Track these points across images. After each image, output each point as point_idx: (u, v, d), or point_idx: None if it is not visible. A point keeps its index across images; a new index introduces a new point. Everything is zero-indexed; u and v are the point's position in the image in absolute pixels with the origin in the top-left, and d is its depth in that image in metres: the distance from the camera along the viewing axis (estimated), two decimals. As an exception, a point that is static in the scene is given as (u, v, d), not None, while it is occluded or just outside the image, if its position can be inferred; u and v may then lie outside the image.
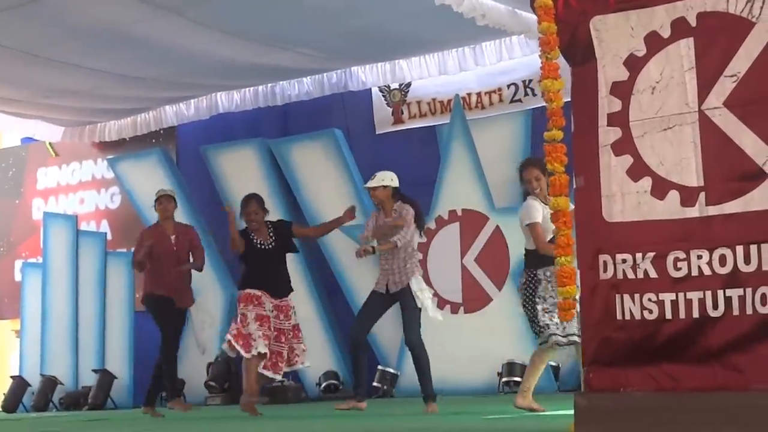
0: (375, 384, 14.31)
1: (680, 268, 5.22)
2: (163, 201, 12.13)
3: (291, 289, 11.07)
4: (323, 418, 10.32)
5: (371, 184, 10.50)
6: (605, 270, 5.41)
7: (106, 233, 17.59)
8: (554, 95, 5.73)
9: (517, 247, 13.54)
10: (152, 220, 16.48)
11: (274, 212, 15.61)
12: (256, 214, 10.98)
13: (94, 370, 16.21)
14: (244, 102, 16.48)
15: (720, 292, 5.16)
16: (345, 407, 10.42)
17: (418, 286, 10.27)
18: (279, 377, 11.19)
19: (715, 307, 5.16)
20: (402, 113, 15.68)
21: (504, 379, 13.41)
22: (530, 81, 14.65)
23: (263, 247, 10.89)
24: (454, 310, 14.03)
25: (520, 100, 14.78)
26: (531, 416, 8.61)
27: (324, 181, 15.45)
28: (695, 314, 5.20)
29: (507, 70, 14.83)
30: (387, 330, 14.74)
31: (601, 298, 5.42)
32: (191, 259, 12.17)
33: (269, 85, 16.20)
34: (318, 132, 15.66)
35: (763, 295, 5.04)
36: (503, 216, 13.83)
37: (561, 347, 8.97)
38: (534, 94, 14.62)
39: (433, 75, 15.14)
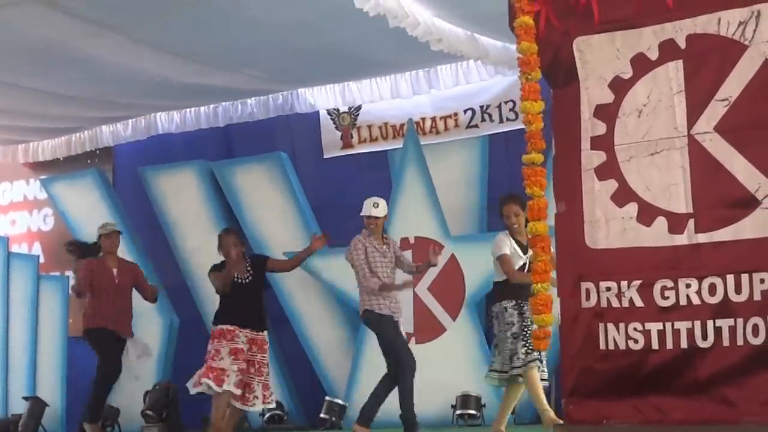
0: (323, 415, 14.18)
1: (668, 297, 5.24)
2: (113, 236, 12.29)
3: (267, 326, 10.99)
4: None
5: (380, 213, 10.73)
6: (588, 298, 5.41)
7: (38, 256, 17.33)
8: (533, 117, 5.75)
9: (473, 275, 13.60)
10: (86, 241, 16.43)
11: (215, 237, 15.61)
12: (235, 247, 10.89)
13: (25, 398, 15.91)
14: (185, 123, 16.29)
15: (709, 322, 5.17)
16: None
17: None
18: (249, 409, 11.07)
19: (704, 337, 5.17)
20: (351, 137, 15.60)
21: (458, 412, 13.32)
22: (487, 106, 14.64)
23: (241, 281, 10.84)
24: (422, 339, 13.95)
25: (476, 126, 14.74)
26: None
27: (269, 205, 15.33)
28: (683, 345, 5.21)
29: (463, 94, 14.78)
30: (335, 360, 14.70)
31: (583, 326, 5.42)
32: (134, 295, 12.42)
33: (211, 105, 16.04)
34: (263, 155, 15.54)
35: (755, 326, 5.06)
36: (459, 244, 13.82)
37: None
38: (491, 120, 14.62)
39: (385, 98, 15.05)
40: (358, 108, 15.49)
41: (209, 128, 16.21)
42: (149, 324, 15.75)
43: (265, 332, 10.93)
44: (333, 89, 15.29)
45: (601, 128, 5.47)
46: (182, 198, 15.86)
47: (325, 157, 15.79)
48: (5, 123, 16.07)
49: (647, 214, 5.31)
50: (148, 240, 16.37)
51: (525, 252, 9.39)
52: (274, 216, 15.26)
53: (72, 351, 16.16)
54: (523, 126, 13.82)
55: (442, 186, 14.20)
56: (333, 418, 14.14)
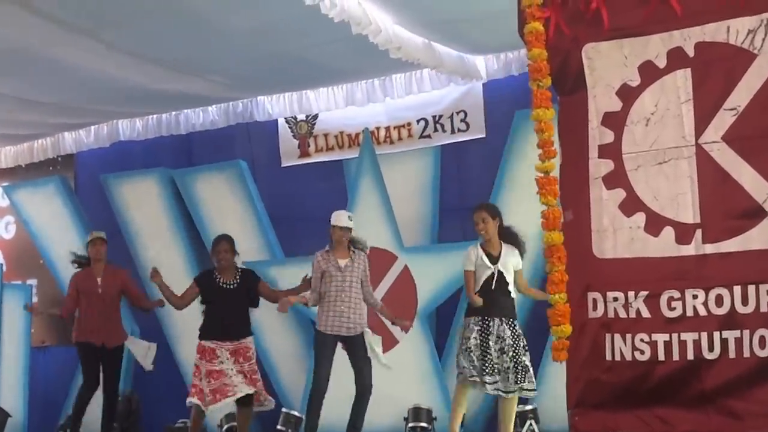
0: (279, 427, 13.71)
1: (674, 308, 4.99)
2: (97, 243, 11.80)
3: (250, 332, 10.61)
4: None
5: (350, 224, 10.28)
6: (595, 308, 5.14)
7: (1, 264, 16.75)
8: (546, 125, 5.41)
9: (425, 287, 13.27)
10: (48, 249, 15.94)
11: (177, 245, 15.19)
12: (226, 253, 10.52)
13: (-12, 407, 15.41)
14: (147, 130, 15.80)
15: (716, 334, 4.93)
16: None
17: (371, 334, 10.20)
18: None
19: (711, 349, 4.94)
20: (308, 146, 15.17)
21: (410, 425, 12.89)
22: (440, 117, 14.27)
23: (226, 286, 10.47)
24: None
25: (429, 136, 14.35)
26: None
27: (228, 213, 14.84)
28: (690, 356, 4.97)
29: (417, 104, 14.37)
30: (291, 372, 14.31)
31: (590, 337, 5.15)
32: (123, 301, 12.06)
33: (173, 113, 15.58)
34: (222, 163, 15.09)
35: (762, 338, 4.83)
36: (412, 255, 13.42)
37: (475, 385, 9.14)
38: (444, 130, 14.26)
39: (340, 106, 14.62)
40: (315, 117, 15.06)
41: (170, 136, 15.72)
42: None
43: (249, 337, 10.51)
44: (291, 97, 14.86)
45: (608, 136, 5.20)
46: (143, 206, 15.37)
47: (283, 165, 15.36)
48: (-37, 128, 15.57)
49: (655, 224, 5.05)
50: (109, 248, 15.74)
51: (494, 262, 9.01)
52: (233, 225, 14.68)
53: (34, 360, 15.74)
54: (473, 137, 13.85)
55: (395, 196, 13.78)
56: (289, 430, 13.72)
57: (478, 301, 8.98)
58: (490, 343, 8.90)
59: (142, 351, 11.51)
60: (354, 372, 10.10)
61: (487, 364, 8.90)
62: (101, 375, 11.63)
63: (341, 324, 9.99)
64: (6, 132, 15.95)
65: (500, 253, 9.00)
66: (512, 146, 13.12)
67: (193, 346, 14.40)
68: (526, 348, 8.96)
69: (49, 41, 11.71)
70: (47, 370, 16.58)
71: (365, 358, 10.06)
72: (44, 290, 16.63)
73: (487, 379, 8.88)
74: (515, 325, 8.93)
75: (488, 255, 9.09)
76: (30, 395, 15.66)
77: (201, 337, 10.43)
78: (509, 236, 9.14)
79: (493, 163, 13.26)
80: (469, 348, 9.00)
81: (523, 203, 12.59)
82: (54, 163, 16.73)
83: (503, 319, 8.87)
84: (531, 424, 12.37)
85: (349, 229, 10.20)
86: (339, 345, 10.19)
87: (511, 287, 8.98)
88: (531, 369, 8.90)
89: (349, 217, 10.34)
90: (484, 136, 13.92)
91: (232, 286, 10.46)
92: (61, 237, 15.94)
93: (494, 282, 8.90)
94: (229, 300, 10.37)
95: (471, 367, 8.95)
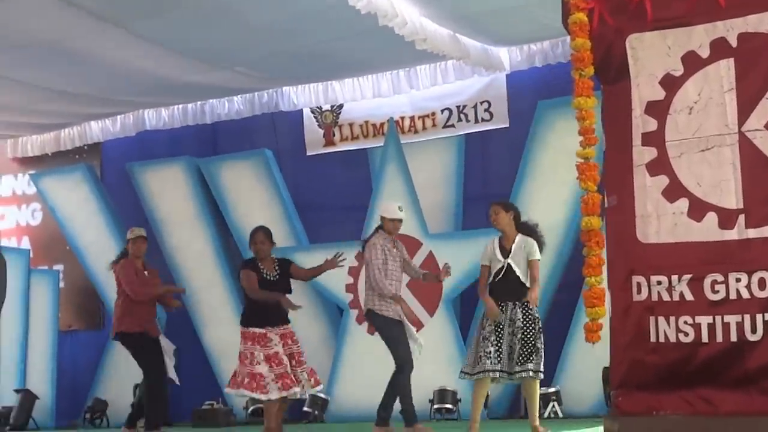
0: (306, 409, 13.93)
1: (718, 291, 5.07)
2: (137, 241, 11.46)
3: (289, 320, 10.67)
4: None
5: (404, 216, 10.49)
6: (639, 291, 5.22)
7: (29, 250, 16.93)
8: (587, 113, 5.50)
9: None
10: (74, 236, 16.08)
11: (203, 231, 15.33)
12: (262, 244, 10.53)
13: (16, 390, 15.54)
14: (173, 120, 15.97)
15: (759, 316, 5.01)
16: None
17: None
18: (299, 394, 10.68)
19: (754, 330, 5.01)
20: (333, 135, 15.34)
21: (435, 406, 13.13)
22: (464, 106, 14.44)
23: (270, 278, 10.50)
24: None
25: (453, 126, 14.52)
26: None
27: (254, 201, 15.03)
28: (733, 338, 5.05)
29: (441, 94, 14.56)
30: (317, 355, 14.43)
31: (634, 320, 5.23)
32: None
33: (198, 103, 15.74)
34: (248, 152, 15.28)
35: (803, 320, 4.90)
36: (437, 241, 13.60)
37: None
38: (467, 120, 14.42)
39: (366, 97, 14.82)
40: (340, 106, 15.23)
41: (196, 125, 15.90)
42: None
43: (290, 323, 10.56)
44: (316, 88, 15.04)
45: (652, 125, 5.27)
46: (169, 194, 15.55)
47: (308, 154, 15.51)
48: (-5, 117, 15.70)
49: (698, 209, 5.13)
50: (134, 234, 16.04)
51: (506, 255, 9.29)
52: (259, 212, 14.91)
53: (62, 344, 15.89)
54: (496, 126, 13.96)
55: (419, 184, 13.97)
56: (316, 412, 13.92)
57: (489, 302, 9.17)
58: (504, 327, 9.11)
59: (169, 351, 11.44)
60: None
61: (500, 352, 9.09)
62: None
63: (396, 309, 10.21)
64: (33, 121, 16.13)
65: (512, 246, 9.25)
66: (535, 135, 13.27)
67: (219, 331, 14.72)
68: (541, 331, 9.16)
69: (77, 32, 11.86)
70: (74, 353, 16.76)
71: None
72: (70, 276, 16.85)
73: (498, 366, 9.09)
74: (529, 309, 9.12)
75: (501, 248, 9.33)
76: (57, 379, 15.84)
77: (248, 324, 10.38)
78: (526, 228, 9.42)
79: (516, 151, 13.42)
80: (486, 336, 9.18)
81: (545, 190, 12.79)
82: (80, 151, 16.90)
83: (516, 302, 9.09)
84: (554, 406, 12.53)
85: (401, 220, 10.38)
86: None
87: (523, 277, 9.18)
88: (541, 353, 9.10)
89: (399, 207, 10.47)
90: (507, 125, 14.08)
91: (274, 278, 10.48)
92: (87, 223, 16.15)
93: (502, 273, 9.19)
94: (272, 290, 10.41)
95: (486, 357, 9.10)
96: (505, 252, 9.30)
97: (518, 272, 9.18)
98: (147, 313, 11.24)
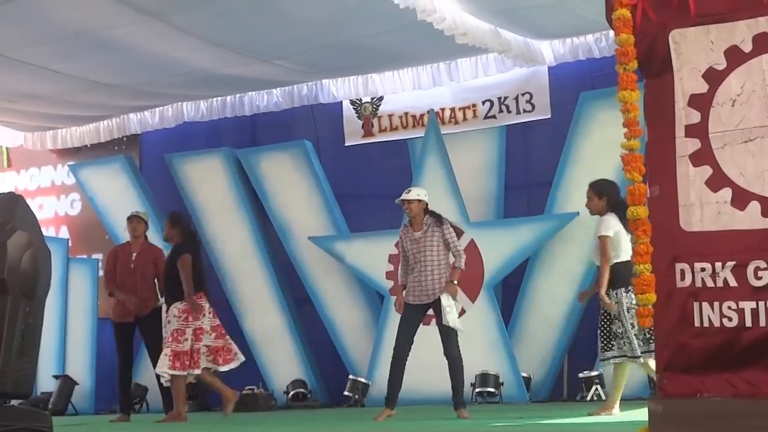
0: (346, 393, 14.32)
1: (761, 278, 5.25)
2: (133, 221, 12.49)
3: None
4: (298, 426, 10.36)
5: (408, 197, 10.62)
6: (683, 278, 5.44)
7: (67, 239, 17.34)
8: (631, 106, 5.73)
9: (491, 260, 13.71)
10: (114, 225, 16.45)
11: (242, 221, 15.65)
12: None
13: (55, 376, 15.94)
14: (211, 112, 16.31)
15: (801, 301, 5.21)
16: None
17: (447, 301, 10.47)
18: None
19: (797, 315, 5.21)
20: (372, 126, 15.66)
21: (477, 390, 13.44)
22: (505, 98, 14.75)
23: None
24: (426, 321, 13.85)
25: (494, 117, 14.83)
26: (601, 422, 8.68)
27: (293, 191, 15.41)
28: (775, 322, 5.24)
29: (482, 86, 14.89)
30: (358, 340, 14.78)
31: (678, 305, 5.44)
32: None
33: (237, 95, 16.07)
34: (287, 143, 15.63)
35: None
36: (478, 230, 13.92)
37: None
38: (508, 111, 14.72)
39: (407, 89, 15.13)
40: (380, 98, 15.55)
41: (234, 117, 16.24)
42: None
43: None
44: (356, 81, 15.36)
45: (695, 117, 5.49)
46: (208, 184, 15.91)
47: (346, 145, 15.85)
48: (37, 110, 16.06)
49: (741, 198, 5.33)
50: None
51: None
52: (299, 202, 15.33)
53: (101, 331, 16.22)
54: (538, 117, 14.23)
55: (461, 174, 14.30)
56: (356, 396, 14.23)
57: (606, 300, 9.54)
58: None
59: None
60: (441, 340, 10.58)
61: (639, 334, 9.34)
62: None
63: (422, 292, 10.53)
64: (74, 113, 16.46)
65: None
66: (577, 126, 13.55)
67: (260, 318, 15.15)
68: (604, 316, 9.61)
69: (118, 24, 12.18)
70: (113, 340, 17.07)
71: (444, 326, 10.47)
72: (110, 265, 17.16)
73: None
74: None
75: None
76: (96, 365, 16.24)
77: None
78: (620, 208, 9.04)
79: (558, 142, 13.70)
80: (623, 319, 9.47)
81: (586, 180, 13.05)
82: (119, 143, 17.29)
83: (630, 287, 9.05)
84: (597, 389, 12.79)
85: (408, 201, 10.60)
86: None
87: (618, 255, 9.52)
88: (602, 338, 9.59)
89: (408, 190, 10.76)
90: (549, 116, 14.33)
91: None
92: (126, 213, 16.26)
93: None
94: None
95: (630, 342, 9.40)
96: None
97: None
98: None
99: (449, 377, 10.42)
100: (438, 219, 10.58)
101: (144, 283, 12.35)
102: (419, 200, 10.59)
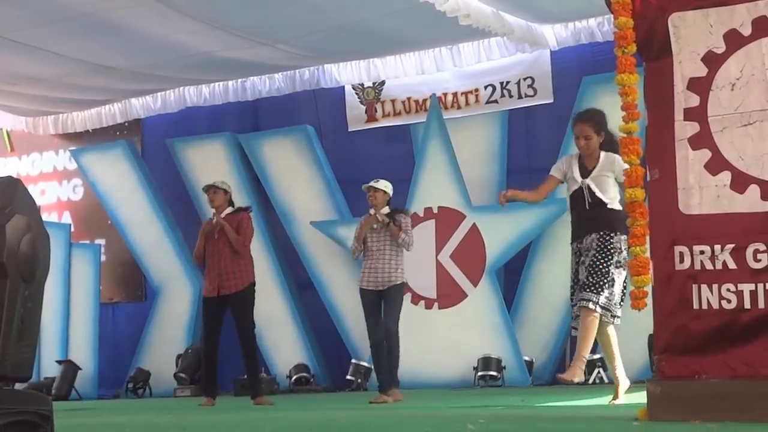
0: (349, 377, 14.43)
1: (760, 260, 5.33)
2: (209, 192, 11.64)
3: None
4: (305, 410, 10.37)
5: (376, 185, 10.80)
6: (681, 261, 5.51)
7: (70, 224, 17.42)
8: (630, 89, 5.82)
9: (493, 244, 13.78)
10: (116, 210, 16.53)
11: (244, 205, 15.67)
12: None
13: (58, 361, 16.03)
14: (213, 96, 16.36)
15: (800, 283, 5.27)
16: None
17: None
18: None
19: (795, 296, 5.27)
20: (375, 111, 15.72)
21: (479, 374, 13.52)
22: (507, 83, 14.79)
23: None
24: (429, 305, 14.09)
25: (496, 101, 14.89)
26: (598, 404, 8.75)
27: (296, 176, 15.49)
28: (774, 304, 5.30)
29: (484, 71, 14.94)
30: (361, 325, 14.81)
31: (677, 288, 5.51)
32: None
33: (239, 80, 16.12)
34: (290, 128, 15.71)
35: (843, 286, 5.18)
36: (480, 214, 14.01)
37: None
38: (510, 96, 14.78)
39: (409, 74, 15.17)
40: (382, 83, 15.59)
41: (236, 102, 16.29)
42: (180, 290, 15.94)
43: None
44: (358, 65, 15.41)
45: (694, 100, 5.55)
46: (210, 169, 15.90)
47: (349, 130, 15.90)
48: (39, 93, 16.09)
49: (740, 181, 5.39)
50: (177, 210, 16.48)
51: (585, 176, 8.26)
52: (301, 186, 15.41)
53: (103, 316, 16.30)
54: (540, 102, 14.27)
55: (463, 158, 14.37)
56: (359, 380, 14.32)
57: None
58: (579, 265, 8.34)
59: None
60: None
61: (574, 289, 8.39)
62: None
63: (373, 278, 10.81)
64: (76, 97, 16.50)
65: (595, 166, 8.24)
66: (580, 110, 13.54)
67: (262, 302, 15.04)
68: (617, 265, 8.14)
69: (119, 5, 12.22)
70: (116, 325, 17.25)
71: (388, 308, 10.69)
72: (112, 250, 17.35)
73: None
74: (607, 237, 8.15)
75: (581, 167, 8.37)
76: (99, 350, 16.39)
77: None
78: (611, 144, 8.09)
79: (560, 126, 13.71)
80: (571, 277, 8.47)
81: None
82: (121, 128, 17.35)
83: (593, 234, 8.20)
84: (599, 372, 12.86)
85: (375, 189, 10.81)
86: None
87: (606, 198, 8.20)
88: (601, 287, 8.10)
89: (376, 180, 10.96)
90: (551, 101, 14.38)
91: None
92: (128, 198, 16.61)
93: (583, 197, 8.30)
94: None
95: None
96: (585, 172, 8.35)
97: (599, 193, 8.22)
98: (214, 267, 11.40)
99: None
100: (397, 212, 10.89)
101: (233, 256, 11.39)
102: (385, 191, 10.80)
